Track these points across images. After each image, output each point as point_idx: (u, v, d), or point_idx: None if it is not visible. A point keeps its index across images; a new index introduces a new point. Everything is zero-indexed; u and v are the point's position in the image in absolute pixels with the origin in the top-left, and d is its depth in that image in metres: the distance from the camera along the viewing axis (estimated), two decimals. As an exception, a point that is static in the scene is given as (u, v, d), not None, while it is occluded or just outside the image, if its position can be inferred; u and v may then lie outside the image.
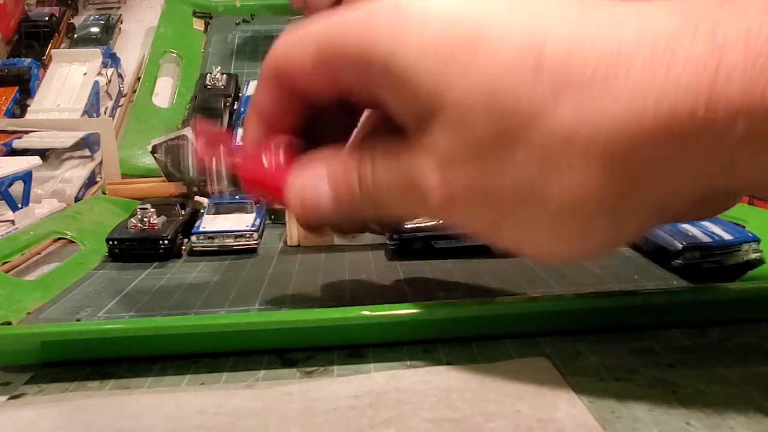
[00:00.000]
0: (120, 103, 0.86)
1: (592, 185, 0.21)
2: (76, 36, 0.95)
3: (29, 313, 0.37)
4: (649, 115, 0.19)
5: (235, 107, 0.78)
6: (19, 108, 0.79)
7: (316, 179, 0.27)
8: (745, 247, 0.38)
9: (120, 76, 0.89)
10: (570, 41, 0.21)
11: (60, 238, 0.51)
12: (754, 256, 0.38)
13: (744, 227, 0.43)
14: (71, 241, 0.51)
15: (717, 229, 0.40)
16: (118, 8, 1.06)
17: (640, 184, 0.21)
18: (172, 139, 0.62)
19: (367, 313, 0.31)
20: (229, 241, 0.49)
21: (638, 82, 0.20)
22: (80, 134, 0.67)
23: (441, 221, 0.27)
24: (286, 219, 0.51)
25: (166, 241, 0.47)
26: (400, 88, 0.24)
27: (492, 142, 0.22)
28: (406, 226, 0.46)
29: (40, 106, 0.77)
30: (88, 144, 0.69)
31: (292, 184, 0.28)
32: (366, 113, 0.30)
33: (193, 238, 0.49)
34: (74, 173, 0.66)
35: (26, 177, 0.57)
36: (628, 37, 0.20)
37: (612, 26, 0.21)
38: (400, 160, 0.25)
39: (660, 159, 0.20)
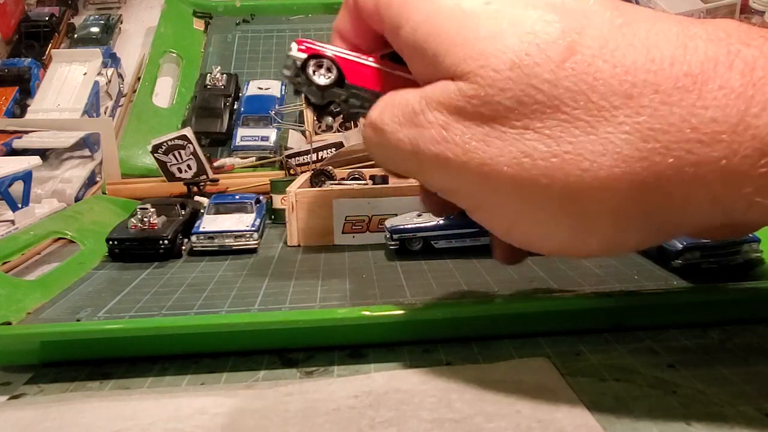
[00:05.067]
0: (120, 103, 0.87)
1: (601, 181, 0.21)
2: (76, 36, 0.95)
3: (29, 313, 0.37)
4: (672, 130, 0.19)
5: (235, 107, 0.78)
6: (19, 108, 0.79)
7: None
8: (745, 247, 0.38)
9: (120, 76, 0.89)
10: (604, 45, 0.21)
11: (60, 238, 0.52)
12: (754, 256, 0.38)
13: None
14: (71, 241, 0.51)
15: (717, 229, 0.40)
16: (118, 8, 1.06)
17: (648, 198, 0.21)
18: (172, 138, 0.63)
19: (367, 313, 0.31)
20: (229, 241, 0.49)
21: (664, 102, 0.20)
22: (80, 134, 0.67)
23: (422, 182, 0.26)
24: (286, 219, 0.51)
25: (166, 241, 0.47)
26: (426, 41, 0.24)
27: (504, 113, 0.21)
28: (406, 226, 0.46)
29: (40, 106, 0.77)
30: (88, 144, 0.69)
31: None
32: None
33: (193, 238, 0.49)
34: (74, 173, 0.66)
35: (26, 177, 0.57)
36: (662, 58, 0.20)
37: (649, 42, 0.20)
38: (409, 95, 0.25)
39: (676, 179, 0.20)
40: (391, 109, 0.25)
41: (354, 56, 0.29)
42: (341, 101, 0.29)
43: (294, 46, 0.28)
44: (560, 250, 0.24)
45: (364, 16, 0.28)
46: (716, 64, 0.20)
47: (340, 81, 0.28)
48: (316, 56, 0.28)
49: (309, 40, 0.29)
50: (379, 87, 0.28)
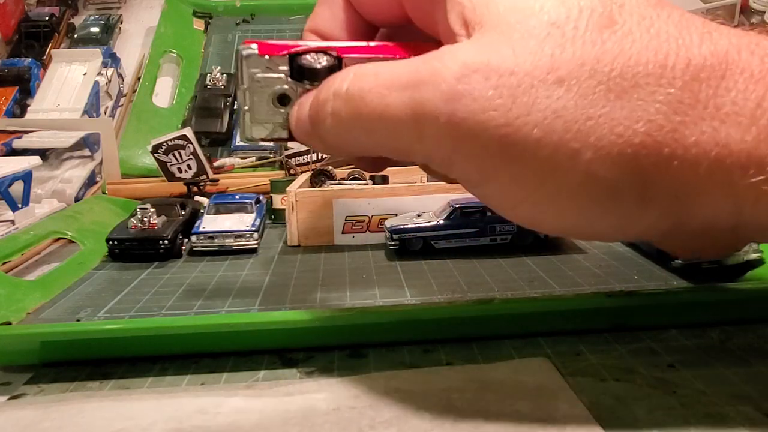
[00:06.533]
0: (120, 103, 0.87)
1: (634, 149, 0.20)
2: (76, 36, 0.95)
3: (29, 313, 0.37)
4: (700, 106, 0.20)
5: (235, 107, 0.78)
6: (19, 108, 0.79)
7: (307, 97, 0.25)
8: (745, 247, 0.38)
9: (120, 76, 0.89)
10: (641, 20, 0.21)
11: (60, 238, 0.52)
12: (754, 256, 0.38)
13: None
14: (71, 241, 0.51)
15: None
16: (118, 8, 1.06)
17: (671, 175, 0.21)
18: (172, 138, 0.63)
19: (367, 313, 0.31)
20: (229, 241, 0.49)
21: (694, 78, 0.20)
22: (80, 134, 0.67)
23: (425, 161, 0.23)
24: (286, 219, 0.51)
25: (166, 241, 0.47)
26: None
27: (539, 68, 0.20)
28: (406, 226, 0.46)
29: (40, 106, 0.77)
30: (88, 144, 0.69)
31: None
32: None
33: (193, 238, 0.49)
34: (74, 173, 0.66)
35: (26, 177, 0.57)
36: (692, 39, 0.21)
37: (681, 24, 0.21)
38: (402, 62, 0.22)
39: (699, 157, 0.20)
40: (373, 75, 0.22)
41: (344, 42, 0.26)
42: None
43: (252, 46, 0.25)
44: (571, 229, 0.23)
45: None
46: (740, 50, 0.20)
47: (338, 64, 0.25)
48: (300, 53, 0.25)
49: (265, 42, 0.26)
50: (378, 53, 0.25)
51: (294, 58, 0.25)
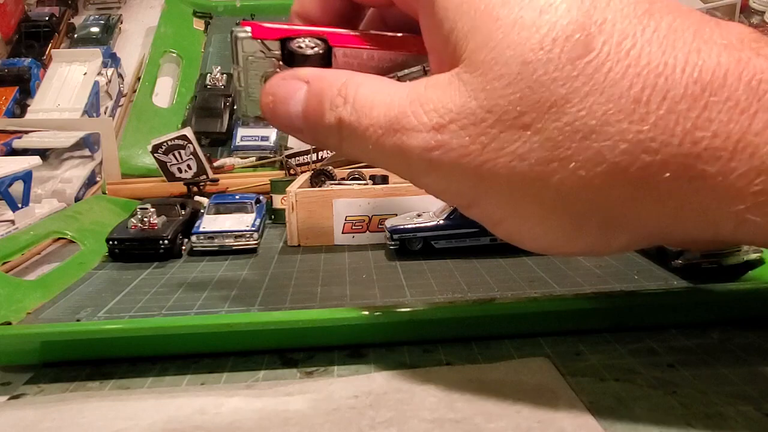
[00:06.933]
0: (120, 103, 0.87)
1: (595, 187, 0.20)
2: (76, 36, 0.95)
3: (29, 313, 0.37)
4: (674, 142, 0.19)
5: (235, 107, 0.78)
6: (19, 108, 0.79)
7: (293, 88, 0.25)
8: (745, 247, 0.38)
9: (120, 76, 0.89)
10: (621, 41, 0.20)
11: (60, 238, 0.52)
12: (754, 256, 0.38)
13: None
14: (71, 241, 0.51)
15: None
16: (118, 8, 1.06)
17: (640, 205, 0.21)
18: (172, 138, 0.63)
19: (367, 313, 0.31)
20: (229, 241, 0.49)
21: (670, 111, 0.19)
22: (80, 134, 0.67)
23: (409, 181, 0.25)
24: (286, 219, 0.51)
25: (166, 241, 0.47)
26: (434, 14, 0.23)
27: (508, 113, 0.21)
28: (406, 226, 0.46)
29: (40, 106, 0.77)
30: (88, 144, 0.69)
31: (276, 78, 0.26)
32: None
33: (193, 238, 0.49)
34: (74, 173, 0.66)
35: (26, 177, 0.57)
36: (675, 62, 0.19)
37: (666, 42, 0.20)
38: (394, 96, 0.23)
39: (672, 191, 0.20)
40: (369, 108, 0.23)
41: (334, 29, 0.26)
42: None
43: (246, 28, 0.26)
44: (547, 248, 0.24)
45: None
46: (726, 73, 0.19)
47: (327, 52, 0.26)
48: (292, 37, 0.26)
49: (259, 24, 0.26)
50: (370, 46, 0.26)
51: (285, 43, 0.26)
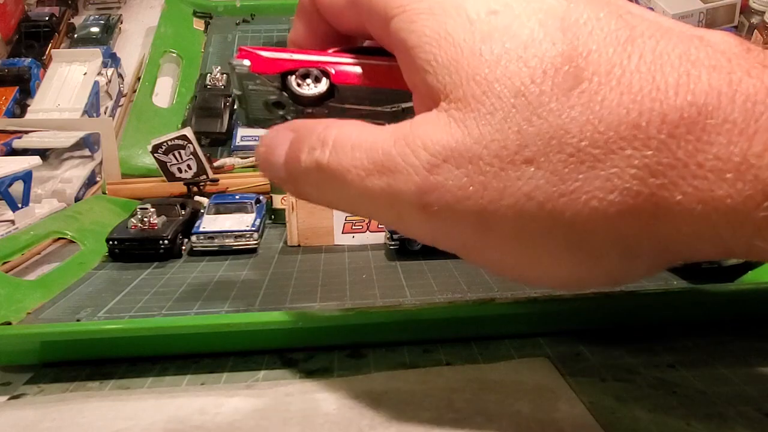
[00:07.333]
0: (120, 103, 0.86)
1: (612, 217, 0.19)
2: (76, 36, 0.95)
3: (29, 313, 0.37)
4: (680, 165, 0.19)
5: (235, 107, 0.78)
6: (19, 108, 0.79)
7: (282, 139, 0.24)
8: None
9: (120, 76, 0.89)
10: (610, 70, 0.19)
11: (60, 238, 0.51)
12: (754, 256, 0.38)
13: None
14: (71, 241, 0.51)
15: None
16: (118, 8, 1.06)
17: (657, 232, 0.20)
18: (172, 138, 0.63)
19: (366, 313, 0.31)
20: (229, 241, 0.49)
21: (671, 135, 0.19)
22: (80, 134, 0.67)
23: (401, 232, 0.23)
24: (286, 219, 0.51)
25: (166, 241, 0.47)
26: (414, 62, 0.22)
27: (507, 147, 0.20)
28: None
29: (40, 106, 0.77)
30: (88, 144, 0.69)
31: (272, 130, 0.25)
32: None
33: (193, 238, 0.49)
34: (74, 173, 0.66)
35: (26, 177, 0.57)
36: (667, 85, 0.19)
37: (654, 67, 0.19)
38: (378, 137, 0.22)
39: (685, 215, 0.19)
40: (349, 149, 0.22)
41: (328, 57, 0.25)
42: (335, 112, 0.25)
43: (245, 62, 0.24)
44: (565, 285, 0.23)
45: (328, 14, 0.26)
46: (719, 95, 0.18)
47: (331, 88, 0.25)
48: (294, 70, 0.25)
49: (255, 49, 0.25)
50: (371, 82, 0.25)
51: (286, 79, 0.25)
